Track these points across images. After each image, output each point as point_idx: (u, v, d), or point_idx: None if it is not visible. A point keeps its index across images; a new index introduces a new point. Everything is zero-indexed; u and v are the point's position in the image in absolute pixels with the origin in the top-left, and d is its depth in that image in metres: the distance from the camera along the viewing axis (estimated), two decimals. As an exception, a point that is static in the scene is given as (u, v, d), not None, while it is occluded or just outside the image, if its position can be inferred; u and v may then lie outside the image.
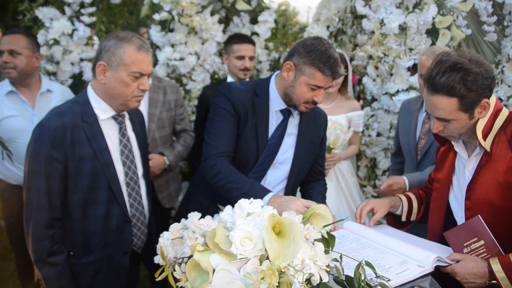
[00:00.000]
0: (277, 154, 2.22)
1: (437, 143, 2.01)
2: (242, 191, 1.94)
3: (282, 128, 2.21)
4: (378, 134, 3.69)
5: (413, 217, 2.09)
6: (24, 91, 2.95)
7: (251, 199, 1.45)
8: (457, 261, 1.67)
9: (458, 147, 1.86)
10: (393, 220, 2.14)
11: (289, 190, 2.30)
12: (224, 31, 3.96)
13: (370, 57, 3.54)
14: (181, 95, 3.29)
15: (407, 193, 2.14)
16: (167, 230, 3.66)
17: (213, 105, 2.20)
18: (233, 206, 1.48)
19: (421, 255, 1.64)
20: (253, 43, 3.46)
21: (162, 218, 3.40)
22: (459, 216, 1.84)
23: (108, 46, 1.93)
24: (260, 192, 1.94)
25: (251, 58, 3.43)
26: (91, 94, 2.02)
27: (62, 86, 3.25)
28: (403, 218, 2.08)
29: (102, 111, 2.01)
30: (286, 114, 2.21)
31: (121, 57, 1.91)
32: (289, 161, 2.26)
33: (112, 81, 1.94)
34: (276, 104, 2.19)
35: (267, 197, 1.93)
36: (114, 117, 2.06)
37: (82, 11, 3.96)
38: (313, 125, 2.32)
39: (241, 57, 3.40)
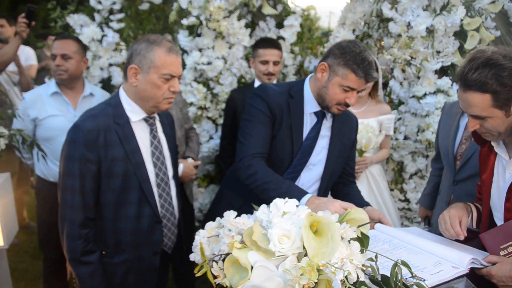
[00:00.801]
0: (311, 156, 2.23)
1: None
2: (280, 192, 1.95)
3: (316, 130, 2.22)
4: (406, 138, 3.66)
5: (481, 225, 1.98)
6: (68, 93, 3.07)
7: (286, 198, 1.46)
8: (493, 263, 1.64)
9: (499, 148, 1.82)
10: None
11: (322, 192, 2.31)
12: (250, 36, 3.99)
13: (395, 60, 3.52)
14: (183, 96, 3.44)
15: (474, 203, 2.03)
16: (194, 227, 3.73)
17: (247, 106, 2.22)
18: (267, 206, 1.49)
19: (456, 256, 1.62)
20: (278, 48, 3.47)
21: (190, 215, 3.47)
22: (498, 218, 1.81)
23: (139, 49, 1.97)
24: (297, 193, 1.95)
25: (276, 63, 3.44)
26: (123, 96, 2.06)
27: (103, 91, 3.37)
28: (474, 226, 1.97)
29: (134, 113, 2.05)
30: (320, 116, 2.22)
31: (152, 60, 1.95)
32: (322, 162, 2.27)
33: (144, 84, 1.98)
34: (310, 106, 2.21)
35: (305, 198, 1.94)
36: (145, 119, 2.09)
37: (111, 17, 4.06)
38: (345, 127, 2.33)
39: (265, 62, 3.42)
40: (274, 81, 3.52)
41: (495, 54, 1.60)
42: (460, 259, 1.61)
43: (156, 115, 2.16)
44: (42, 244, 3.22)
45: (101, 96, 3.22)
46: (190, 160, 3.18)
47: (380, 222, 1.94)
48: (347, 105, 2.11)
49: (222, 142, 3.61)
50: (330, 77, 2.09)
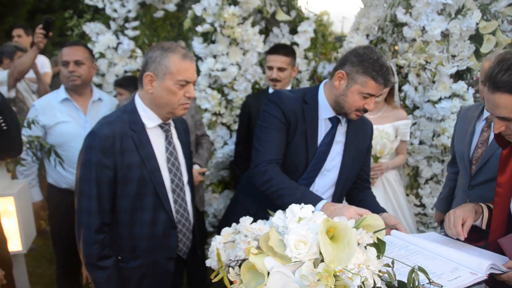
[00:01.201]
0: (325, 162, 2.23)
1: (499, 154, 1.94)
2: (295, 198, 1.94)
3: (331, 136, 2.22)
4: (421, 142, 3.64)
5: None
6: (77, 98, 3.12)
7: (302, 204, 1.46)
8: None
9: None
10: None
11: (336, 198, 2.31)
12: (264, 42, 4.01)
13: (409, 65, 3.50)
14: (196, 102, 3.46)
15: (487, 203, 2.01)
16: (205, 233, 3.72)
17: (262, 112, 2.23)
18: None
19: (474, 262, 1.60)
20: (286, 54, 3.44)
21: (200, 221, 3.48)
22: None
23: (154, 56, 1.99)
24: (312, 199, 1.94)
25: (281, 69, 3.42)
26: (139, 103, 2.08)
27: (111, 96, 3.44)
28: (483, 226, 1.96)
29: (149, 119, 2.07)
30: (334, 122, 2.22)
31: (167, 67, 1.97)
32: (336, 168, 2.27)
33: (159, 90, 2.00)
34: (325, 112, 2.21)
35: (320, 204, 1.94)
36: (160, 126, 2.11)
37: (126, 25, 4.12)
38: (360, 133, 2.32)
39: (270, 68, 3.44)
40: (289, 87, 3.53)
41: None
42: (479, 265, 1.58)
43: (171, 122, 2.18)
44: (56, 249, 3.27)
45: (109, 100, 3.30)
46: (196, 166, 3.17)
47: (396, 229, 1.92)
48: (366, 111, 2.11)
49: (237, 148, 3.62)
50: (349, 85, 2.08)
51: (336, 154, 2.25)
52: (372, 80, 2.02)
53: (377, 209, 2.17)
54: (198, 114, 3.39)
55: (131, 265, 2.08)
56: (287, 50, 3.48)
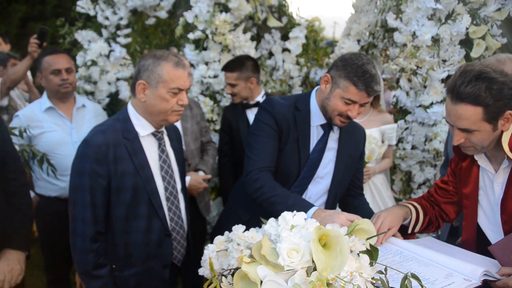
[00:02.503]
0: (318, 169, 2.23)
1: None
2: (286, 205, 1.94)
3: (323, 143, 2.22)
4: (413, 147, 3.64)
5: (416, 229, 2.02)
6: (61, 106, 3.13)
7: (294, 212, 1.46)
8: (508, 275, 1.62)
9: (482, 161, 1.82)
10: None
11: (330, 205, 2.31)
12: (255, 48, 4.03)
13: (402, 70, 3.52)
14: (202, 109, 3.45)
15: (414, 204, 2.05)
16: (206, 240, 3.69)
17: (254, 120, 2.24)
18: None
19: (468, 269, 1.60)
20: (232, 70, 3.35)
21: (202, 227, 3.46)
22: (494, 231, 1.80)
23: (147, 65, 2.00)
24: (304, 206, 1.94)
25: (231, 85, 3.39)
26: (131, 111, 2.08)
27: (94, 102, 3.49)
28: (409, 231, 2.00)
29: (142, 128, 2.08)
30: (326, 129, 2.22)
31: (160, 75, 1.98)
32: (329, 175, 2.27)
33: (152, 99, 2.01)
34: (316, 119, 2.21)
35: (311, 211, 1.94)
36: (153, 134, 2.12)
37: (118, 32, 4.11)
38: (352, 139, 2.32)
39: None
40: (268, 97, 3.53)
41: (487, 68, 1.61)
42: (473, 271, 1.58)
43: (164, 130, 2.19)
44: (46, 257, 3.25)
45: (93, 106, 3.32)
46: (200, 173, 3.17)
47: (393, 235, 1.92)
48: (349, 118, 2.10)
49: (222, 161, 3.55)
50: (332, 89, 2.08)
51: (328, 161, 2.25)
52: (353, 85, 2.00)
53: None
54: (203, 121, 3.38)
55: (126, 273, 2.08)
56: (233, 66, 3.37)
